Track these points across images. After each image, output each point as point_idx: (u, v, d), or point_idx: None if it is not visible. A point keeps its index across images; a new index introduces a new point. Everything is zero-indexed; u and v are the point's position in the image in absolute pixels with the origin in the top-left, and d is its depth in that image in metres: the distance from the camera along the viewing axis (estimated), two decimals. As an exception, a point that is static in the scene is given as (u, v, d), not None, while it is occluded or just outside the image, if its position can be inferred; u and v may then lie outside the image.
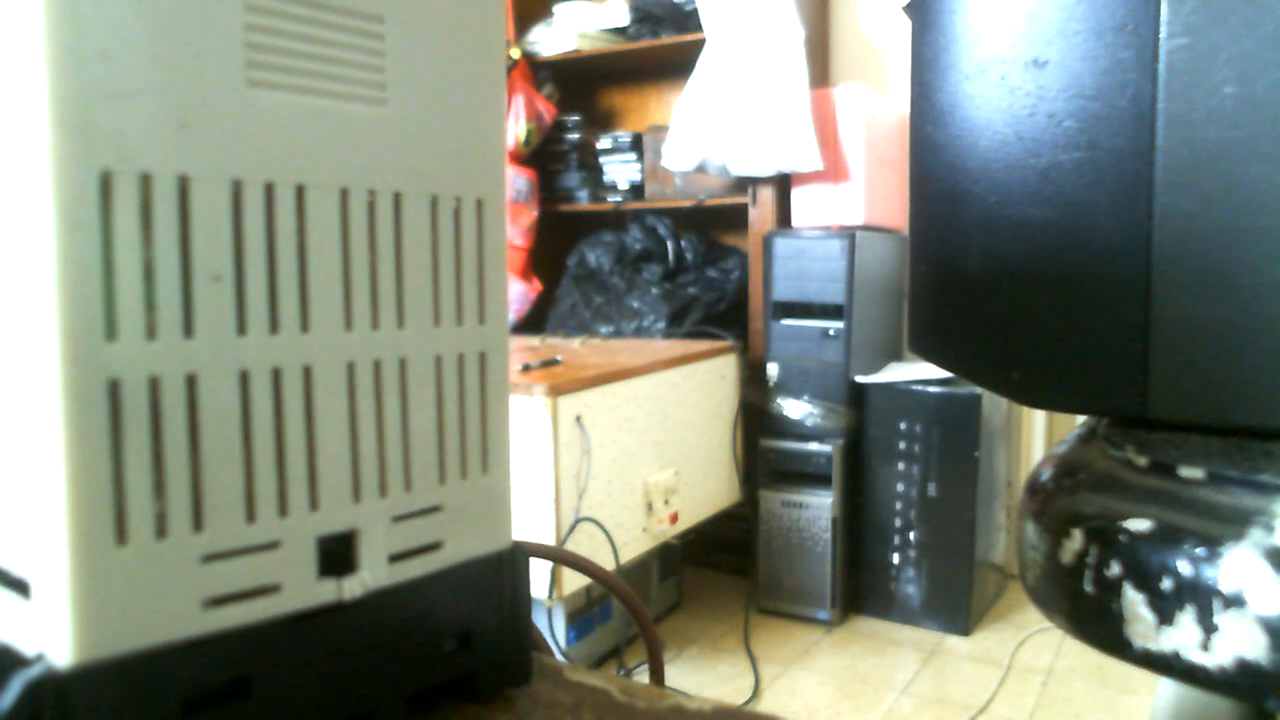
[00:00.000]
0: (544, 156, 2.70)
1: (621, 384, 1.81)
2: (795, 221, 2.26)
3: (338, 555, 0.30)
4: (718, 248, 2.59)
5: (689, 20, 2.40)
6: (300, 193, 0.29)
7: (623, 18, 2.57)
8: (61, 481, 0.24)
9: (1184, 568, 0.35)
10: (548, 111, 2.60)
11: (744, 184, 2.33)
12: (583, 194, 2.67)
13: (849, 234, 2.11)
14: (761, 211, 2.32)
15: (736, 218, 2.51)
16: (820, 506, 2.14)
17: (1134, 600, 0.36)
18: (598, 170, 2.68)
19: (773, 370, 2.21)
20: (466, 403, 0.34)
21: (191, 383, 0.26)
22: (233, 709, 0.28)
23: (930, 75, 0.49)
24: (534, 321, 2.66)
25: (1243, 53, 0.38)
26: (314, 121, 0.29)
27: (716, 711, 0.35)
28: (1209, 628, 0.34)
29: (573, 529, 1.67)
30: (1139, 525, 0.37)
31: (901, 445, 2.12)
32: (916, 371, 2.15)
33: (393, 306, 0.32)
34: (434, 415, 0.33)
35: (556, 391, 1.63)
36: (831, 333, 2.14)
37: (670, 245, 2.52)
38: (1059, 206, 0.43)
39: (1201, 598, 0.34)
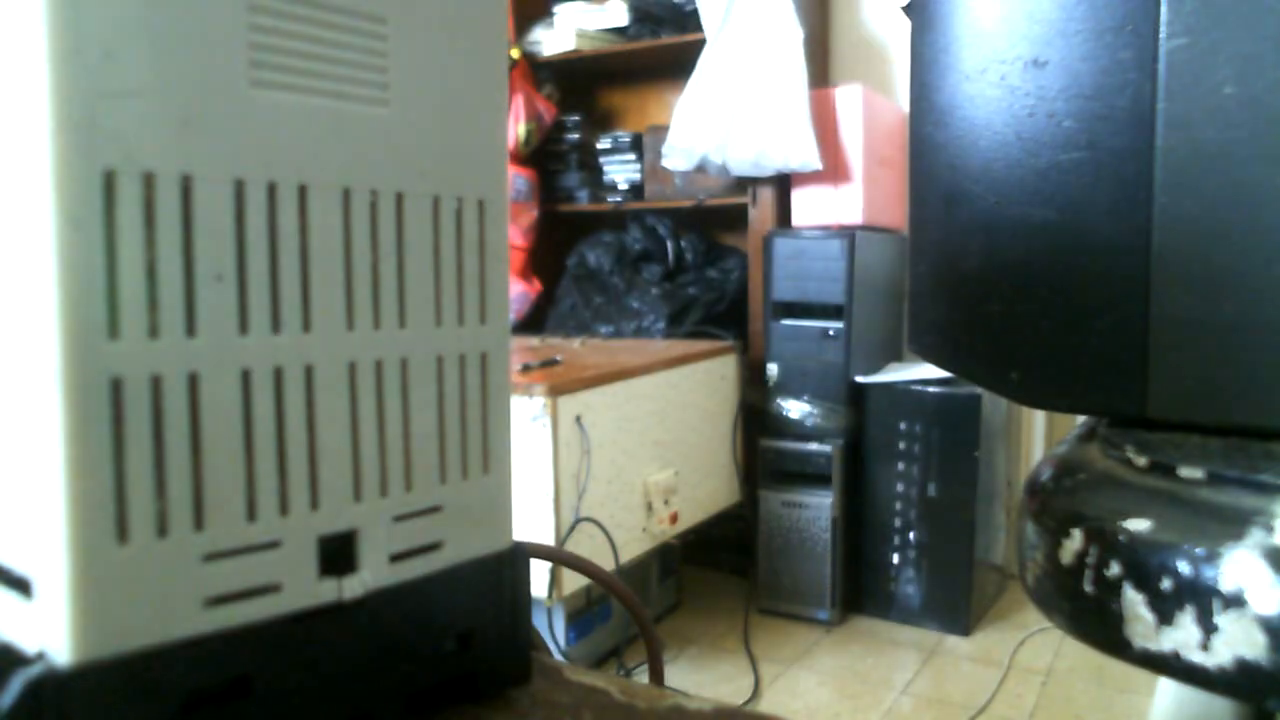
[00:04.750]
0: (544, 156, 2.70)
1: (621, 384, 1.81)
2: (795, 221, 2.26)
3: (338, 555, 0.30)
4: (718, 248, 2.58)
5: (689, 20, 2.40)
6: (302, 192, 0.29)
7: (623, 18, 2.56)
8: (63, 480, 0.24)
9: (1184, 568, 0.35)
10: (548, 111, 2.60)
11: (744, 184, 2.33)
12: (583, 194, 2.67)
13: (849, 234, 2.11)
14: (761, 211, 2.32)
15: (736, 218, 2.51)
16: (820, 506, 2.14)
17: (1134, 600, 0.36)
18: (598, 170, 2.67)
19: (773, 370, 2.21)
20: (467, 403, 0.34)
21: (193, 382, 0.27)
22: (233, 708, 0.28)
23: (930, 75, 0.49)
24: (534, 321, 2.66)
25: (1243, 53, 0.38)
26: (316, 121, 0.29)
27: (716, 711, 0.35)
28: (1209, 628, 0.34)
29: (572, 529, 1.67)
30: (1139, 525, 0.37)
31: (901, 445, 2.12)
32: (916, 371, 2.15)
33: (394, 306, 0.32)
34: (435, 415, 0.33)
35: (556, 391, 1.63)
36: (831, 333, 2.14)
37: (670, 245, 2.52)
38: (1059, 206, 0.44)
39: (1201, 598, 0.34)
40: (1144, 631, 0.36)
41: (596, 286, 2.58)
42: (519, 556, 0.36)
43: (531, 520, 1.65)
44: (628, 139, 2.61)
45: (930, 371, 2.11)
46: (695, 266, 2.52)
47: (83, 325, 0.24)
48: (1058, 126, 0.43)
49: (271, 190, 0.28)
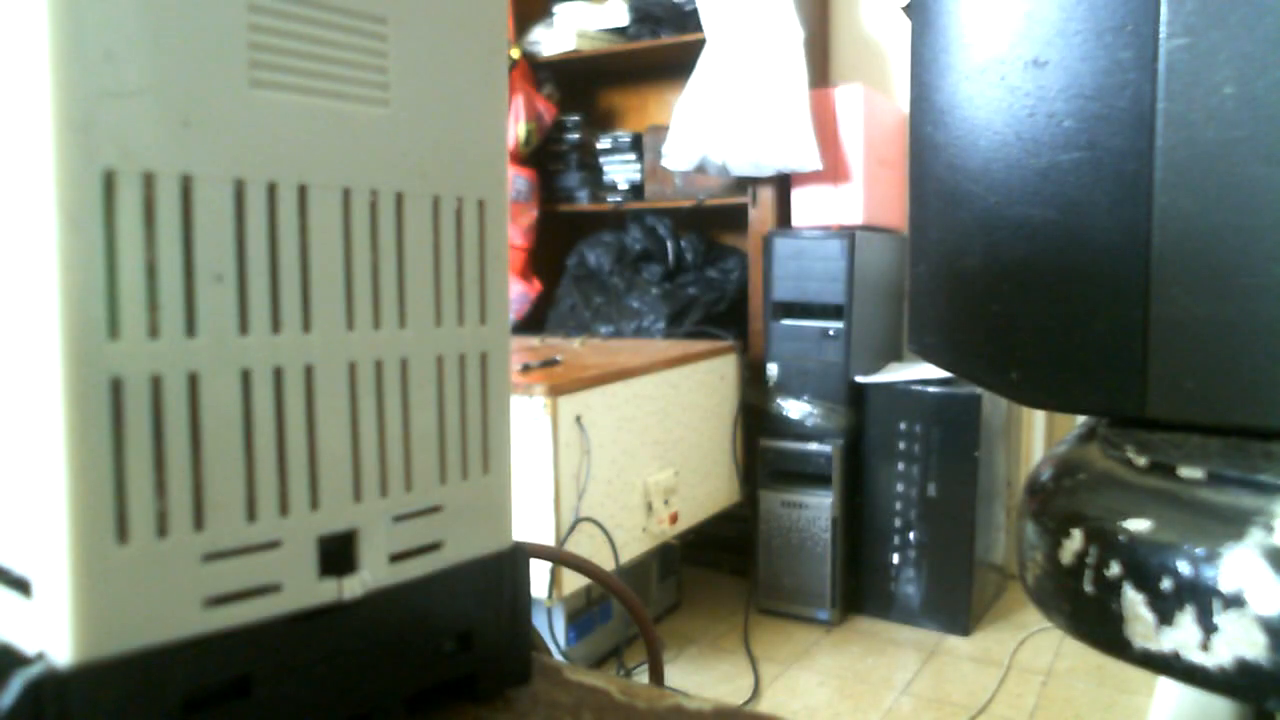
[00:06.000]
0: (544, 156, 2.70)
1: (621, 384, 1.81)
2: (795, 221, 2.26)
3: (338, 555, 0.30)
4: (718, 248, 2.58)
5: (689, 20, 2.40)
6: (302, 192, 0.29)
7: (623, 18, 2.56)
8: (63, 480, 0.24)
9: (1184, 568, 0.35)
10: (548, 111, 2.60)
11: (744, 184, 2.33)
12: (583, 194, 2.67)
13: (849, 234, 2.11)
14: (761, 211, 2.32)
15: (736, 218, 2.51)
16: (820, 506, 2.14)
17: (1134, 600, 0.36)
18: (598, 170, 2.67)
19: (773, 370, 2.21)
20: (467, 403, 0.34)
21: (193, 382, 0.27)
22: (233, 708, 0.28)
23: (930, 75, 0.49)
24: (534, 321, 2.66)
25: (1242, 53, 0.38)
26: (316, 122, 0.29)
27: (716, 711, 0.35)
28: (1209, 628, 0.34)
29: (572, 529, 1.67)
30: (1139, 525, 0.37)
31: (901, 445, 2.12)
32: (916, 371, 2.15)
33: (394, 306, 0.32)
34: (435, 415, 0.33)
35: (556, 391, 1.63)
36: (831, 333, 2.14)
37: (670, 245, 2.52)
38: (1059, 206, 0.44)
39: (1201, 598, 0.34)
40: (1144, 631, 0.36)
41: (596, 286, 2.58)
42: (519, 556, 0.36)
43: (531, 520, 1.65)
44: (628, 139, 2.61)
45: (930, 371, 2.11)
46: (695, 266, 2.52)
47: (83, 325, 0.24)
48: (1058, 126, 0.43)
49: (271, 190, 0.28)
